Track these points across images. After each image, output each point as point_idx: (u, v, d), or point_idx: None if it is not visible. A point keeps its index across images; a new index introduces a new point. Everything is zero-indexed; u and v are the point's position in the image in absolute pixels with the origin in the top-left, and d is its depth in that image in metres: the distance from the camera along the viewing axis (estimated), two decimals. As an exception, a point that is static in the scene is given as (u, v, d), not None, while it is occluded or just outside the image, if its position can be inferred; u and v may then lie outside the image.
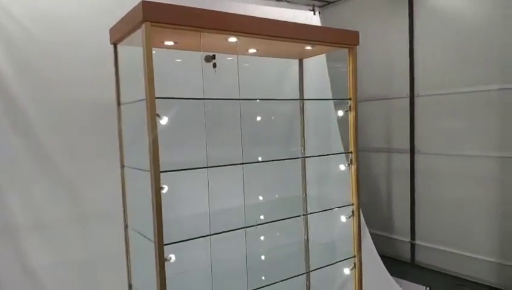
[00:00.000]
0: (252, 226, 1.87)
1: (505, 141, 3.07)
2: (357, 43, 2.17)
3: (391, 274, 3.31)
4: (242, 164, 1.85)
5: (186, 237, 1.63)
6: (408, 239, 3.81)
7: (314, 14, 3.57)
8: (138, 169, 1.68)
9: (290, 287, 2.42)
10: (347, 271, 2.26)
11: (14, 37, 2.13)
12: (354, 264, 2.25)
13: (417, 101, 3.64)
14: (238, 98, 1.78)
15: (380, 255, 3.49)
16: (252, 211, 1.93)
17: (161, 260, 1.53)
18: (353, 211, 2.25)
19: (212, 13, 1.67)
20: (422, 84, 3.61)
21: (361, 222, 2.27)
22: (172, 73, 2.09)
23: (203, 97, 1.68)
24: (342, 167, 2.22)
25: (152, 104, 1.54)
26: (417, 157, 3.69)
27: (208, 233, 1.68)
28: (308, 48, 2.16)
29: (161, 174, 1.56)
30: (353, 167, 2.20)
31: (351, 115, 2.12)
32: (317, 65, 3.12)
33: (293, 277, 2.09)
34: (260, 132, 2.42)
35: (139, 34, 1.56)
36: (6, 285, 2.07)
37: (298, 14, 3.35)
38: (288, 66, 2.56)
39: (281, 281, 1.98)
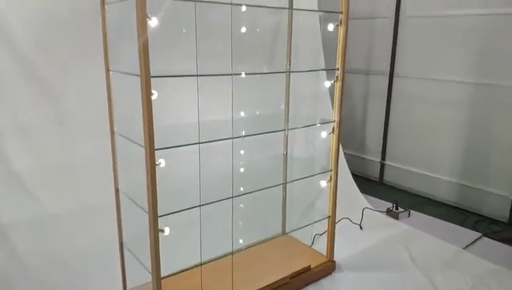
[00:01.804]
0: (240, 137, 1.90)
1: (481, 68, 3.15)
2: None
3: (361, 191, 3.52)
4: (232, 74, 1.83)
5: (176, 144, 1.65)
6: (378, 159, 4.01)
7: None
8: (127, 74, 1.63)
9: (270, 197, 2.55)
10: (323, 184, 2.38)
11: None
12: (331, 177, 2.37)
13: (402, 22, 3.61)
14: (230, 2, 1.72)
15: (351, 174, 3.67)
16: (238, 124, 1.95)
17: (153, 165, 1.55)
18: (333, 128, 2.31)
19: None
20: (410, 3, 3.55)
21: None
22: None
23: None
24: (328, 84, 2.24)
25: (142, 4, 1.45)
26: (395, 80, 3.75)
27: (198, 141, 1.71)
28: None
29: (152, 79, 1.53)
30: (338, 84, 2.22)
31: (341, 30, 2.09)
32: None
33: (272, 186, 2.20)
34: (247, 44, 2.37)
35: None
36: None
37: None
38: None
39: (261, 189, 2.07)
